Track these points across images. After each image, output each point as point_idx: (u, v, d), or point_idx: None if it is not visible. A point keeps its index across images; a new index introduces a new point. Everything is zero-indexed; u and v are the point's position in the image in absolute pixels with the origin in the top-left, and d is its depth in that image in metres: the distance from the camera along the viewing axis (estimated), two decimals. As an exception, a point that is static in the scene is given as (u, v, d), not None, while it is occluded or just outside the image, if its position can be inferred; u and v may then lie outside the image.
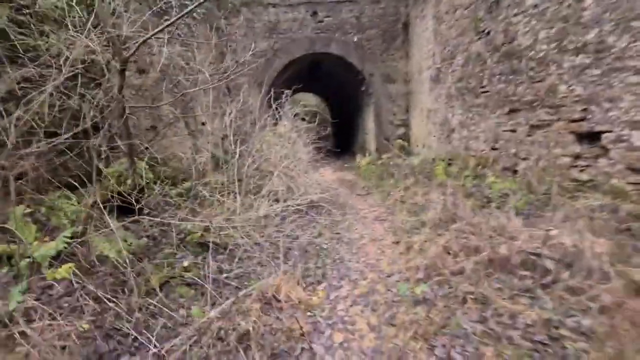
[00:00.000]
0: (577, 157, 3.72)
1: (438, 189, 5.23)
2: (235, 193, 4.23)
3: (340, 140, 16.33)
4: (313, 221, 4.62)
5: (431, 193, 5.11)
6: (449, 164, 6.72)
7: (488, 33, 5.13)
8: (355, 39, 9.25)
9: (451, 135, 6.55)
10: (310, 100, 24.12)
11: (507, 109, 4.83)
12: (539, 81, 4.22)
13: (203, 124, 7.85)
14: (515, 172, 4.81)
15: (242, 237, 3.24)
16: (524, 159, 4.59)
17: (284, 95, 6.86)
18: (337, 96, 14.44)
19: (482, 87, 5.37)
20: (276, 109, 7.89)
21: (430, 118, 7.67)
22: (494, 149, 5.24)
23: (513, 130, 4.77)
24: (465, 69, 5.88)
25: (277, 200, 4.83)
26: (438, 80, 7.06)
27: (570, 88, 3.71)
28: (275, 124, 7.67)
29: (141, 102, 5.88)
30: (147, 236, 3.28)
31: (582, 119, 3.60)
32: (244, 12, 8.79)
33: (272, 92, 6.78)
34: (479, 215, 3.62)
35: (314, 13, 9.05)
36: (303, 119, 21.60)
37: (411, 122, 9.49)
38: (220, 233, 3.34)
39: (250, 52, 9.12)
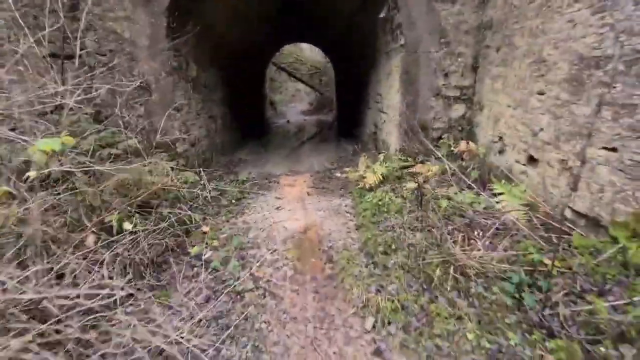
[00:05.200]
0: None
1: None
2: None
3: (345, 116, 11.10)
4: None
5: None
6: None
7: None
8: None
9: None
10: (307, 54, 18.54)
11: None
12: None
13: None
14: None
15: None
16: None
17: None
18: (339, 42, 9.01)
19: None
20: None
21: (587, 88, 2.49)
22: None
23: None
24: None
25: None
26: None
27: None
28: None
29: None
30: None
31: None
32: None
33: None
34: None
35: None
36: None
37: (486, 93, 4.28)
38: None
39: None
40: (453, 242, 2.48)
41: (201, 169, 4.86)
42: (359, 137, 8.20)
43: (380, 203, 3.64)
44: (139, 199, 2.62)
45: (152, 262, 2.62)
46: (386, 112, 5.64)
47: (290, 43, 13.23)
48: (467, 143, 3.64)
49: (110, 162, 2.60)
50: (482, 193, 3.15)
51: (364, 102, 7.59)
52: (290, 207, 4.08)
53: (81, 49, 4.23)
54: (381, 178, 4.33)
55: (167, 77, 4.44)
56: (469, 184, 3.39)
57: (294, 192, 4.67)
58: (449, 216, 2.98)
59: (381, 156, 4.92)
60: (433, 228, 2.84)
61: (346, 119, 10.44)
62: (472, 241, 2.61)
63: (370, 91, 6.86)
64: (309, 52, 19.32)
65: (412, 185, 3.83)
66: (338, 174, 5.33)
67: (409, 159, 4.72)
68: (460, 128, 4.72)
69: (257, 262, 2.77)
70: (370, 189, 4.22)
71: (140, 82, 4.41)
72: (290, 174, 5.52)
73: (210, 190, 4.35)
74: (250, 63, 9.36)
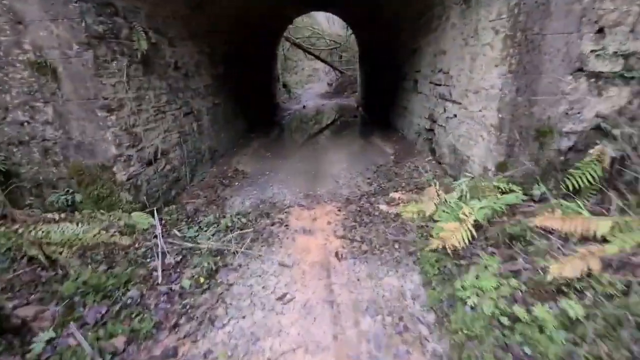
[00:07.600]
0: None
1: None
2: None
3: (374, 101, 8.91)
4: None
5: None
6: None
7: None
8: None
9: None
10: (324, 26, 16.22)
11: None
12: None
13: None
14: None
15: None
16: None
17: None
18: (367, 5, 6.67)
19: None
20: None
21: None
22: None
23: None
24: None
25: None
26: None
27: None
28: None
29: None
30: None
31: None
32: None
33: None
34: None
35: None
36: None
37: None
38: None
39: None
40: None
41: (155, 209, 2.94)
42: (400, 134, 6.06)
43: (501, 319, 1.62)
44: None
45: None
46: (459, 102, 3.49)
47: (306, 12, 10.90)
48: None
49: None
50: None
51: (408, 84, 5.39)
52: (304, 297, 2.12)
53: None
54: (473, 232, 2.28)
55: (83, 51, 2.48)
56: None
57: (313, 248, 2.70)
58: None
59: (462, 182, 2.83)
60: None
61: (376, 106, 8.24)
62: None
63: (422, 68, 4.65)
64: (326, 24, 16.88)
65: (557, 268, 1.77)
66: (382, 205, 3.29)
67: (517, 188, 2.62)
68: (615, 134, 2.54)
69: None
70: (457, 255, 2.20)
71: (39, 60, 2.47)
72: (306, 204, 3.53)
73: (164, 253, 2.45)
74: (256, 36, 7.25)
